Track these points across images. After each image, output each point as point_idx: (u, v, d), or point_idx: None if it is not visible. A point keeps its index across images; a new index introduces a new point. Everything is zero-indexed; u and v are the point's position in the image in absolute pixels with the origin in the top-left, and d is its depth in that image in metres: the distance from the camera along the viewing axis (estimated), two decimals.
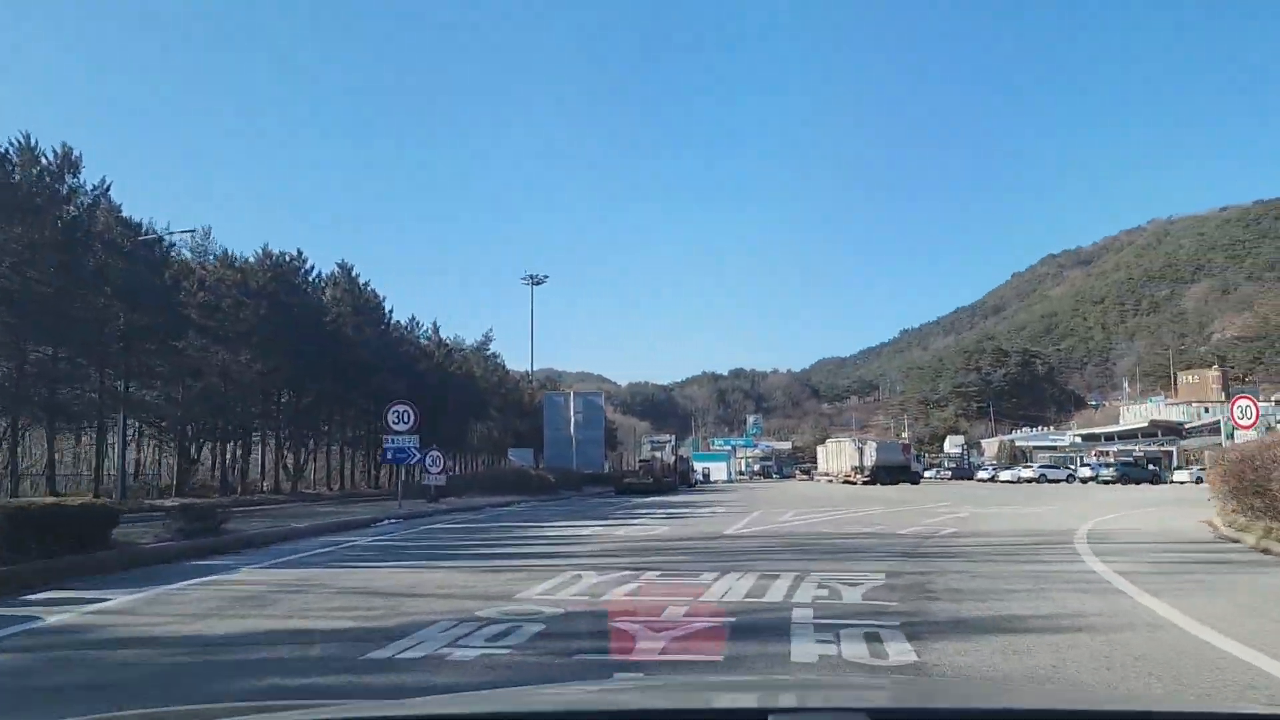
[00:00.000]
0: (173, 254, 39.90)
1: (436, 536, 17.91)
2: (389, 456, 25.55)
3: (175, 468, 43.73)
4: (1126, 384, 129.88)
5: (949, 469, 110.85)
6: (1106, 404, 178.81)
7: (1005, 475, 77.05)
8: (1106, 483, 61.25)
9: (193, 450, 46.11)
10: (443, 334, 79.85)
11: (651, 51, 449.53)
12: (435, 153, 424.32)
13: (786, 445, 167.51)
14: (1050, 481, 73.07)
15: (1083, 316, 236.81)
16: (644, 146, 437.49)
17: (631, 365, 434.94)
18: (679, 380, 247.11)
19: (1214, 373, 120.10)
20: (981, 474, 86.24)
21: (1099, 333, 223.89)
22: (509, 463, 59.48)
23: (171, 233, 38.51)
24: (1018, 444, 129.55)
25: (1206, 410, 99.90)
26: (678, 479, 65.66)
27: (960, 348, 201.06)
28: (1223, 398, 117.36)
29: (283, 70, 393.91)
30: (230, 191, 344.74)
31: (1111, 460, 75.79)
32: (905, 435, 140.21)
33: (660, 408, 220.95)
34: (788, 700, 2.11)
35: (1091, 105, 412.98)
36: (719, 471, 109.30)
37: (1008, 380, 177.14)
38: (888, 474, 69.21)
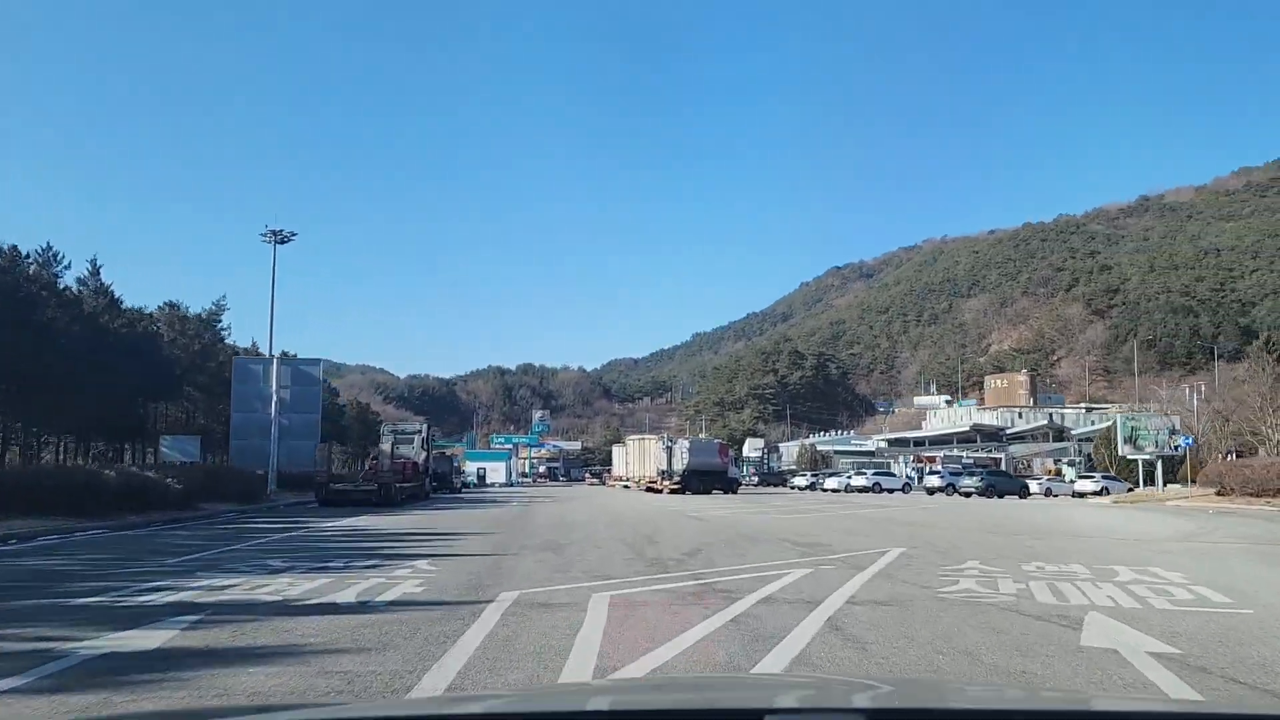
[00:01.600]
0: None
1: None
2: None
3: None
4: (935, 388, 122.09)
5: (753, 474, 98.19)
6: (896, 410, 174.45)
7: (831, 483, 63.84)
8: (968, 495, 48.46)
9: None
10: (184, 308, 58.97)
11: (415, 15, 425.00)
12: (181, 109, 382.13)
13: (576, 445, 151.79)
14: (886, 490, 60.32)
15: (869, 325, 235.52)
16: (425, 127, 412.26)
17: (413, 357, 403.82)
18: (463, 374, 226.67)
19: (1022, 377, 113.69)
20: (798, 481, 73.10)
21: (884, 341, 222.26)
22: (161, 456, 39.72)
23: None
24: (819, 448, 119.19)
25: (1020, 415, 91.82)
26: (431, 482, 47.71)
27: (757, 349, 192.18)
28: (1031, 403, 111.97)
29: None
30: None
31: (941, 467, 64.14)
32: (704, 435, 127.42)
33: (440, 402, 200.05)
34: (785, 700, 1.97)
35: (872, 127, 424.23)
36: (497, 473, 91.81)
37: (804, 383, 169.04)
38: (701, 480, 54.38)
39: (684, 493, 52.66)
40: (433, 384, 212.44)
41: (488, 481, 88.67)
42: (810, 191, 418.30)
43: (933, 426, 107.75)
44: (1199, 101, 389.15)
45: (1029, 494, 49.96)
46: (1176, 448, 44.46)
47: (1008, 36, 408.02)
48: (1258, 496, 34.12)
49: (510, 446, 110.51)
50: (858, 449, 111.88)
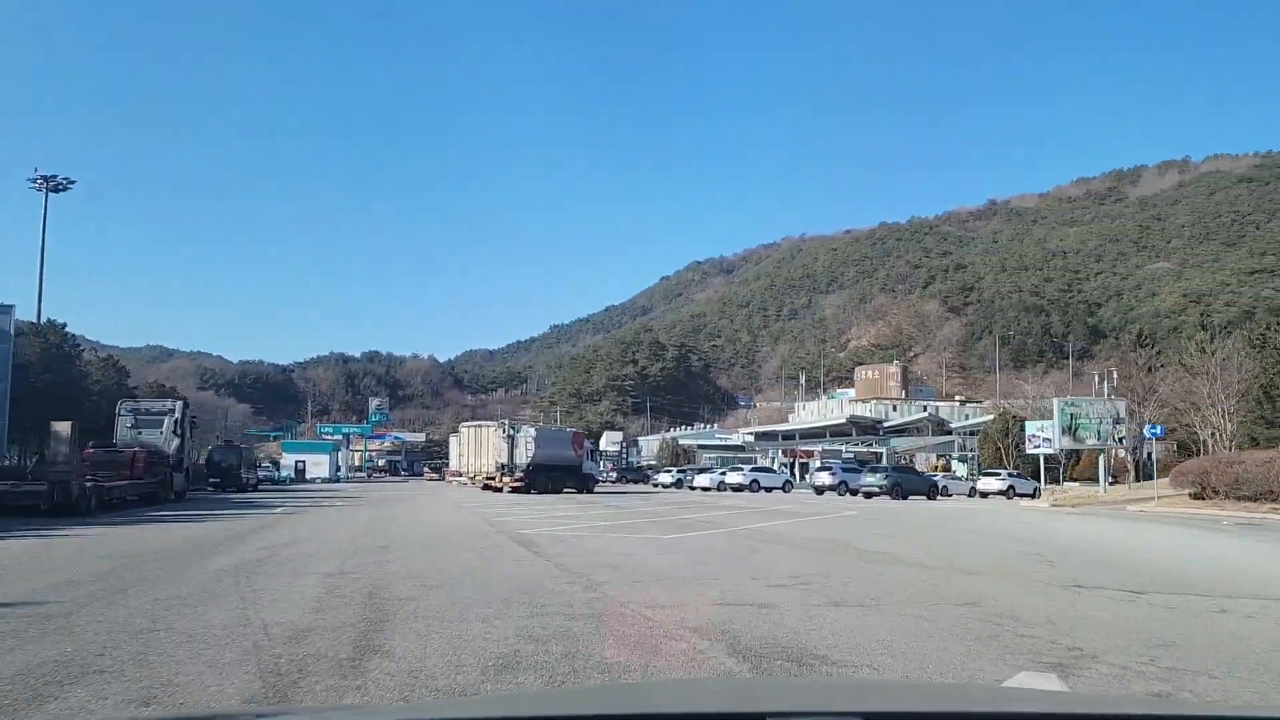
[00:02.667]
0: None
1: None
2: None
3: None
4: (803, 378, 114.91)
5: (611, 470, 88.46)
6: (757, 404, 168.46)
7: (702, 481, 54.54)
8: (871, 495, 39.79)
9: None
10: None
11: None
12: None
13: (421, 437, 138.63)
14: (765, 489, 51.45)
15: (729, 319, 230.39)
16: (271, 115, 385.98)
17: (252, 344, 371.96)
18: (301, 361, 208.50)
19: (893, 369, 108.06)
20: (663, 478, 63.58)
21: (745, 335, 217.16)
22: None
23: None
24: (681, 442, 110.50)
25: (895, 408, 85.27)
26: (186, 477, 35.36)
27: (617, 339, 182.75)
28: (903, 395, 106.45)
29: None
30: None
31: (824, 461, 55.88)
32: (557, 424, 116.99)
33: (277, 391, 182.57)
34: (782, 703, 2.00)
35: (728, 125, 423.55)
36: (320, 466, 78.60)
37: (665, 375, 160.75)
38: (549, 476, 44.48)
39: (529, 491, 42.62)
40: (267, 371, 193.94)
41: (308, 476, 75.85)
42: (670, 188, 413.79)
43: (802, 419, 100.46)
44: (1039, 113, 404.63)
45: (938, 494, 41.82)
46: (1120, 439, 37.19)
47: (856, 46, 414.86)
48: (1254, 501, 26.34)
49: (340, 437, 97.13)
50: (722, 443, 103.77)
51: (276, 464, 76.37)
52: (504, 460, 44.25)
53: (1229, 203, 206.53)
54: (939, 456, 61.80)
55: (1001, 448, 54.50)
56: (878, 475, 39.44)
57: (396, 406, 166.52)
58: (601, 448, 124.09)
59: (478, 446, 46.39)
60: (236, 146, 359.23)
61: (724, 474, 53.31)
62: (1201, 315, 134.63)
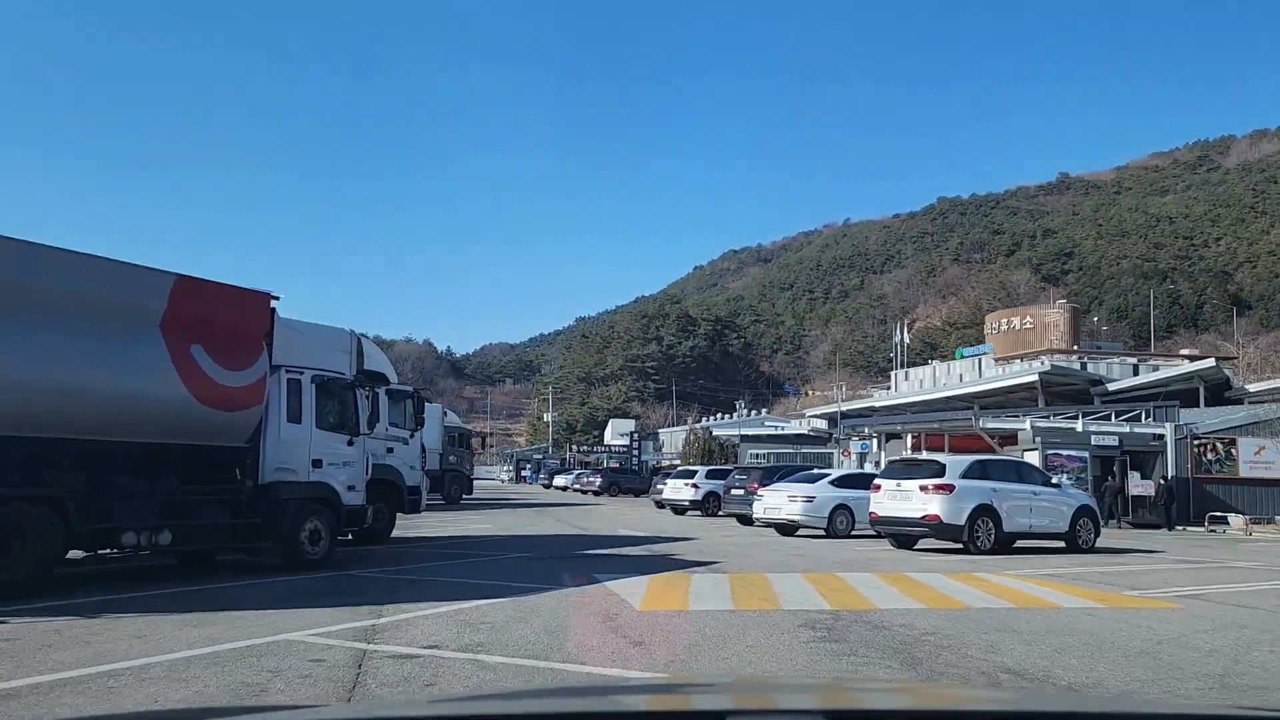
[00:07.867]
0: None
1: None
2: None
3: None
4: (901, 329, 76.69)
5: (600, 471, 51.38)
6: (807, 393, 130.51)
7: (780, 502, 17.18)
8: None
9: None
10: None
11: None
12: None
13: None
14: (1054, 532, 13.87)
15: (770, 302, 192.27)
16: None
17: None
18: None
19: (1056, 315, 69.71)
20: (673, 491, 26.47)
21: (789, 318, 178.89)
22: None
23: None
24: (715, 433, 72.10)
25: (1084, 366, 46.52)
26: None
27: (638, 312, 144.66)
28: (1074, 349, 66.91)
29: None
30: None
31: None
32: (547, 417, 79.55)
33: None
34: (744, 701, 1.92)
35: (763, 108, 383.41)
36: None
37: (695, 355, 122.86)
38: None
39: None
40: None
41: None
42: (703, 174, 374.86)
43: (904, 392, 62.19)
44: (1104, 87, 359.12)
45: None
46: None
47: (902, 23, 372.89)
48: None
49: None
50: (776, 432, 66.45)
51: None
52: None
53: None
54: None
55: None
56: None
57: None
58: (606, 441, 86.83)
59: None
60: (243, 134, 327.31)
61: (893, 479, 14.94)
62: None
